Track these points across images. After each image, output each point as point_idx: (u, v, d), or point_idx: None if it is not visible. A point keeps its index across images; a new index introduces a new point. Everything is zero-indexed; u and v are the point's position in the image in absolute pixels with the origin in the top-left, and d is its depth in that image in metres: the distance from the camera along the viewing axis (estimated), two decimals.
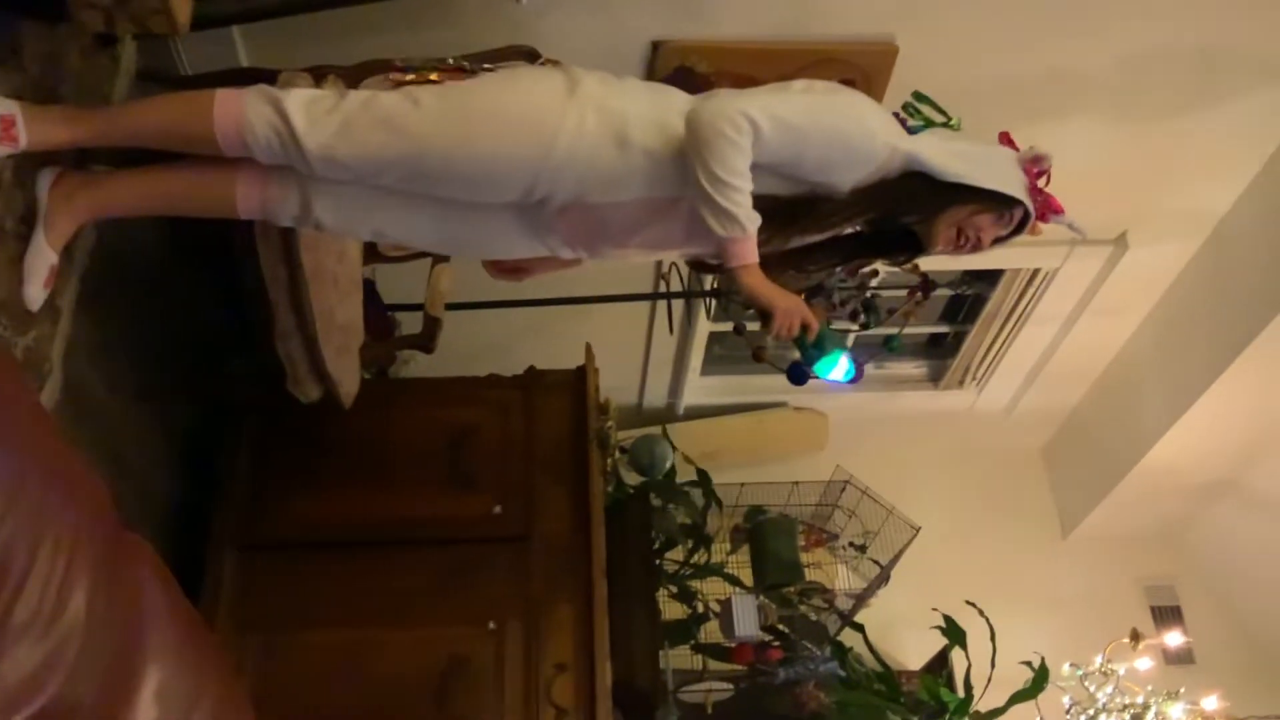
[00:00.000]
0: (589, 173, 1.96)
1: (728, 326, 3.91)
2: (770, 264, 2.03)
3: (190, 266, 2.77)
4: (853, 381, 2.19)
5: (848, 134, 1.97)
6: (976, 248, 2.06)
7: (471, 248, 2.20)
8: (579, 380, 3.32)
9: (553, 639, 2.88)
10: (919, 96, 2.53)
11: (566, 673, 2.84)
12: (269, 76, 2.19)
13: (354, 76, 2.21)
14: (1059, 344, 4.39)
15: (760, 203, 1.93)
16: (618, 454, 3.46)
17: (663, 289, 3.75)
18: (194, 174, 2.10)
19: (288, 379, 2.56)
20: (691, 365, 4.51)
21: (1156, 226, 3.84)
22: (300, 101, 1.97)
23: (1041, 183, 2.13)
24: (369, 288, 3.06)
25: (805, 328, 2.02)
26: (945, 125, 2.14)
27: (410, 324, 3.33)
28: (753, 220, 1.92)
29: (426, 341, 3.00)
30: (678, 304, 3.95)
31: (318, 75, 2.25)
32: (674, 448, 3.83)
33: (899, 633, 4.33)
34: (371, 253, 2.92)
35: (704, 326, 4.28)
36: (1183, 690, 3.64)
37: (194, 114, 2.01)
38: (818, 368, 2.14)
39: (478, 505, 3.06)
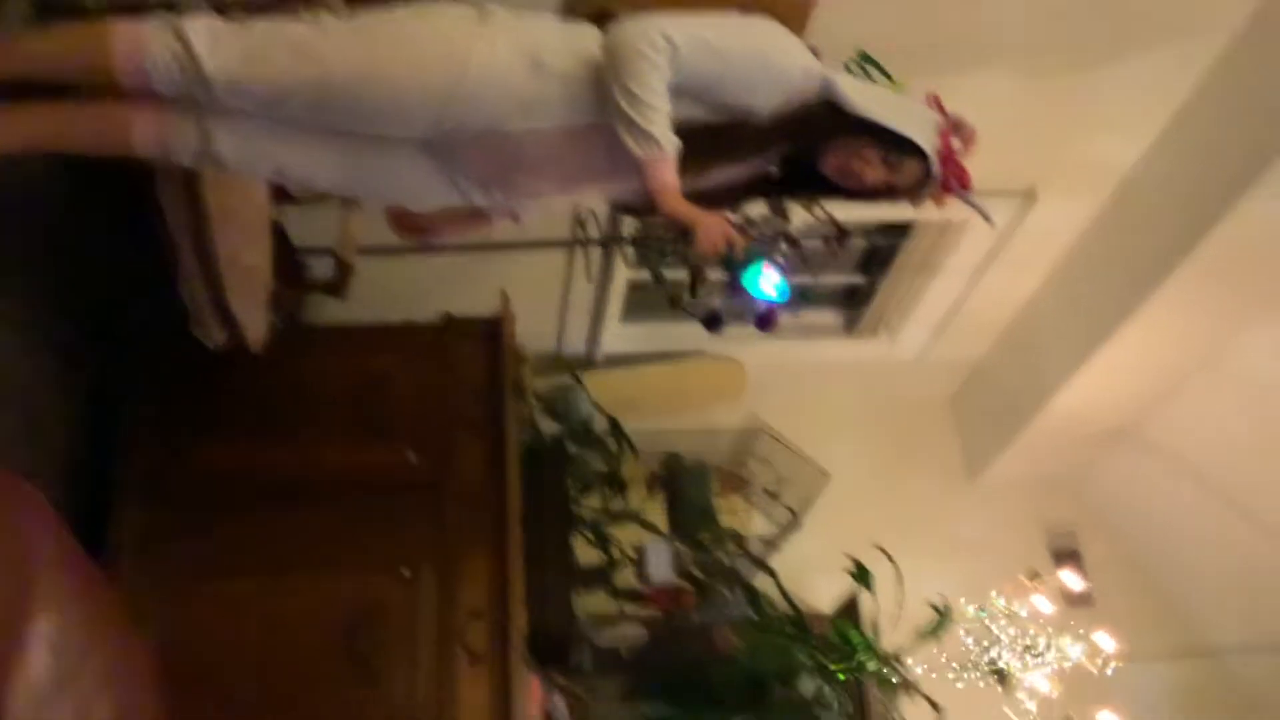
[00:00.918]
0: (502, 98, 1.94)
1: (646, 274, 3.91)
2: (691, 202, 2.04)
3: (90, 208, 2.68)
4: (785, 304, 2.19)
5: (765, 53, 1.98)
6: (859, 183, 2.07)
7: (378, 189, 2.14)
8: (495, 328, 3.30)
9: (467, 586, 2.89)
10: (864, 57, 2.54)
11: (481, 619, 2.85)
12: (170, 7, 2.11)
13: (258, 6, 2.14)
14: (968, 295, 4.48)
15: (679, 130, 1.92)
16: (534, 402, 3.45)
17: (583, 237, 3.73)
18: (90, 109, 2.02)
19: (191, 321, 2.50)
20: (610, 313, 4.50)
21: (1064, 181, 3.93)
22: (203, 26, 1.92)
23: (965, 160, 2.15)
24: (278, 231, 2.99)
25: (731, 245, 2.02)
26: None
27: (322, 269, 3.26)
28: (671, 141, 1.91)
29: (338, 287, 2.94)
30: (598, 252, 3.94)
31: (220, 6, 2.17)
32: (589, 396, 3.83)
33: (811, 577, 4.41)
34: (281, 195, 2.85)
35: (623, 274, 4.28)
36: (1076, 629, 3.78)
37: (92, 43, 1.94)
38: (746, 279, 2.14)
39: (391, 453, 3.04)
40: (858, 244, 4.46)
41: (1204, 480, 4.43)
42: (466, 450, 3.05)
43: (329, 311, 3.59)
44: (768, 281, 2.17)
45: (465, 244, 3.59)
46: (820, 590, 4.47)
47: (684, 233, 2.03)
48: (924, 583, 3.86)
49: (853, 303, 4.85)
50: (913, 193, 2.16)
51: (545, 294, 4.33)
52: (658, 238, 3.37)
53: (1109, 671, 3.57)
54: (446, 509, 2.96)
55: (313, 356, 3.21)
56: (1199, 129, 3.62)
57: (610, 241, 3.74)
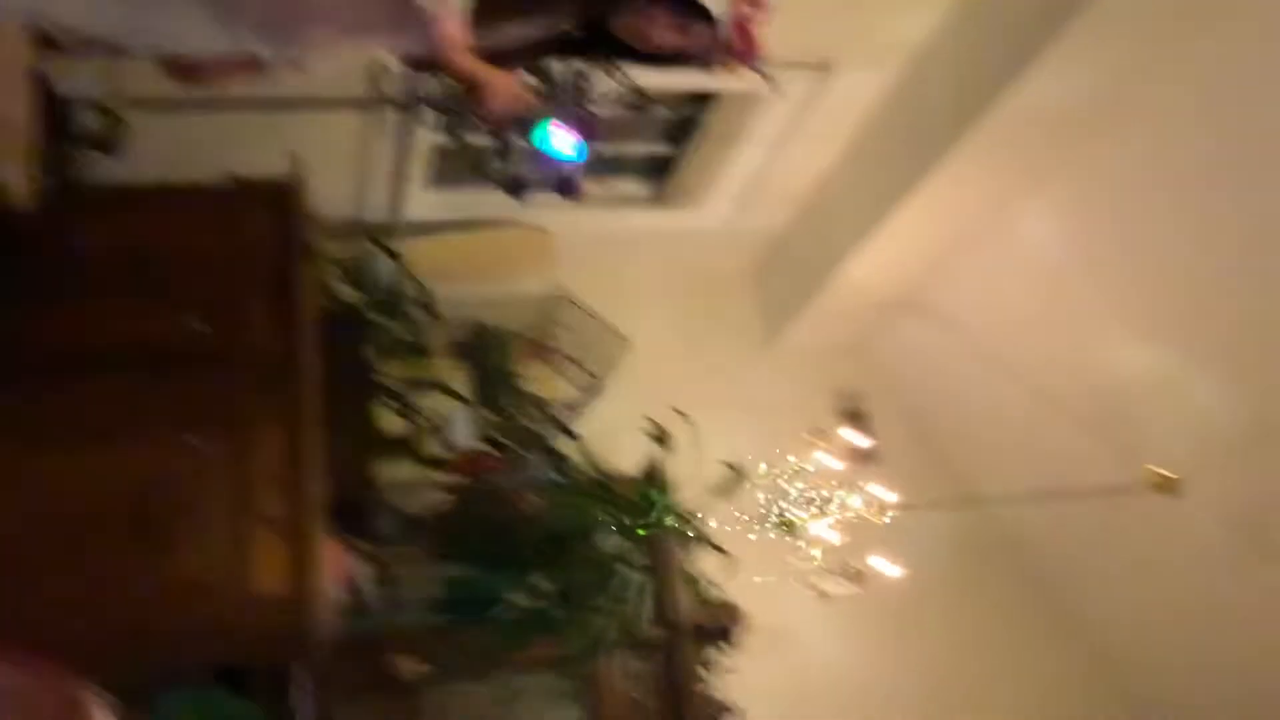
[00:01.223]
0: None
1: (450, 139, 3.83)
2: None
3: None
4: (581, 165, 2.19)
5: None
6: (650, 45, 2.08)
7: (149, 34, 2.00)
8: (286, 191, 3.18)
9: (261, 454, 2.84)
10: None
11: (276, 487, 2.81)
12: None
13: None
14: (770, 167, 4.58)
15: None
16: (331, 268, 3.37)
17: (379, 96, 3.60)
18: None
19: None
20: (413, 178, 4.39)
21: (859, 54, 4.03)
22: None
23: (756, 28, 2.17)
24: (39, 81, 2.76)
25: (521, 106, 2.00)
26: None
27: (91, 123, 3.05)
28: None
29: (109, 142, 2.76)
30: (396, 113, 3.81)
31: None
32: (395, 262, 3.76)
33: (617, 440, 4.54)
34: (44, 41, 2.62)
35: (426, 138, 4.16)
36: (860, 483, 4.03)
37: None
38: (539, 140, 2.13)
39: (176, 320, 2.91)
40: (663, 113, 4.47)
41: (979, 345, 4.75)
42: (258, 317, 2.96)
43: (107, 171, 3.37)
44: (562, 141, 2.17)
45: (254, 100, 3.41)
46: (625, 452, 4.60)
47: (472, 91, 1.99)
48: (723, 444, 4.03)
49: (659, 173, 4.88)
50: (703, 58, 2.18)
51: (343, 157, 4.17)
52: (458, 99, 3.28)
53: (886, 520, 3.83)
54: (238, 377, 2.88)
55: (89, 219, 3.02)
56: (984, 6, 3.76)
57: (409, 102, 3.62)
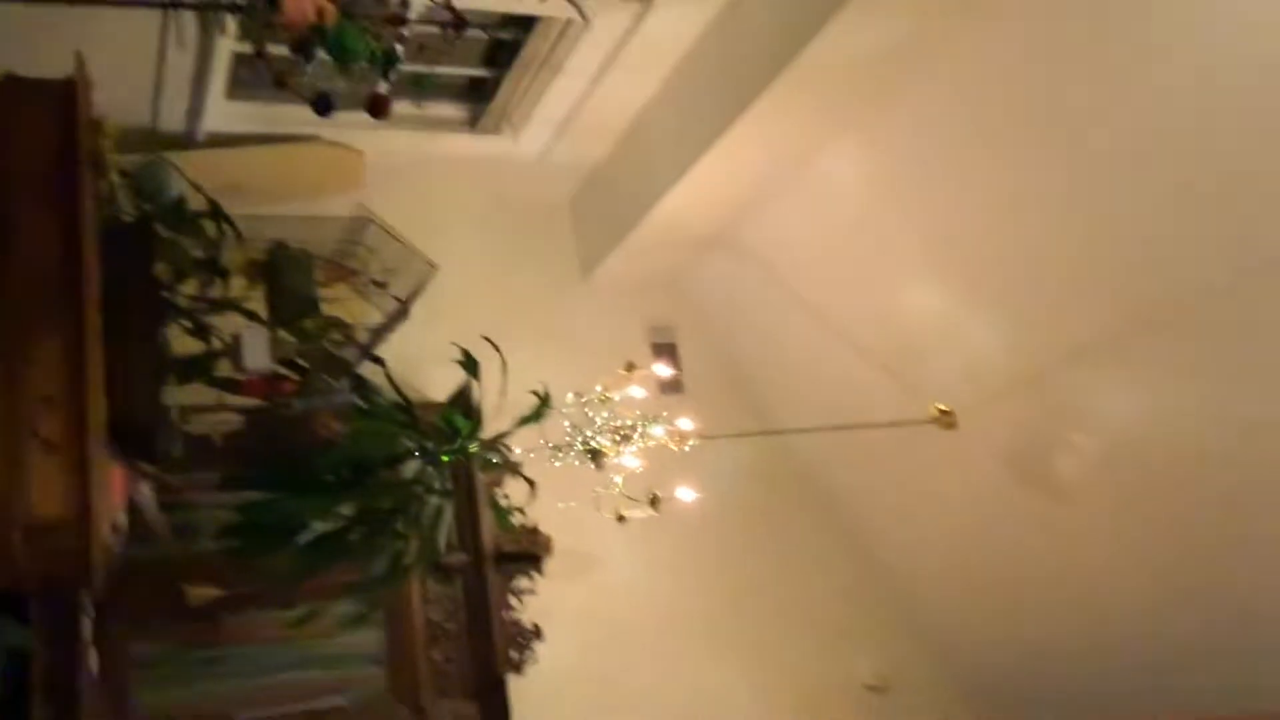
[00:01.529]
0: None
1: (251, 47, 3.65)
2: None
3: None
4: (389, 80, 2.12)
5: None
6: None
7: None
8: (68, 93, 2.96)
9: (37, 372, 2.67)
10: None
11: (54, 406, 2.66)
12: None
13: None
14: (589, 97, 4.57)
15: None
16: (117, 178, 3.18)
17: None
18: None
19: None
20: (213, 88, 4.19)
21: None
22: None
23: None
24: None
25: (320, 14, 1.93)
26: None
27: None
28: None
29: None
30: (193, 17, 3.60)
31: None
32: (185, 176, 3.57)
33: (427, 368, 4.49)
34: None
35: (227, 45, 3.97)
36: (666, 414, 4.14)
37: None
38: (338, 51, 2.06)
39: None
40: (479, 36, 4.38)
41: (785, 282, 4.92)
42: (31, 226, 2.76)
43: None
44: (365, 54, 2.10)
45: None
46: (437, 379, 4.57)
47: None
48: (536, 374, 4.04)
49: (477, 97, 4.80)
50: None
51: (136, 61, 3.94)
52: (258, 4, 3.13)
53: (686, 449, 3.95)
54: (8, 288, 2.70)
55: None
56: None
57: (207, 5, 3.42)
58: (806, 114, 4.15)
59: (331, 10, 1.94)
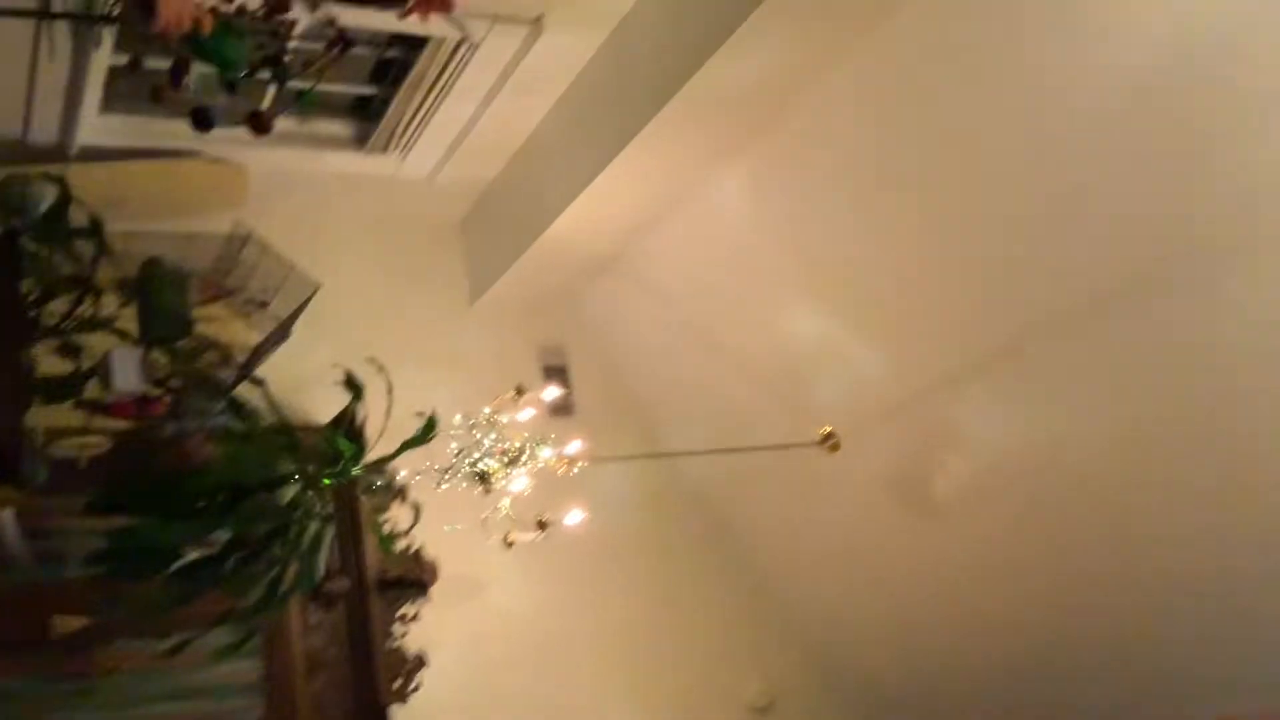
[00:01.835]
0: None
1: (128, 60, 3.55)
2: None
3: None
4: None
5: None
6: None
7: None
8: None
9: None
10: None
11: None
12: None
13: None
14: (479, 118, 4.55)
15: None
16: None
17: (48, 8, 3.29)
18: None
19: None
20: (87, 100, 4.05)
21: (570, 13, 4.06)
22: None
23: None
24: None
25: (196, 24, 1.88)
26: None
27: None
28: None
29: None
30: (68, 28, 3.49)
31: None
32: (62, 189, 3.46)
33: (310, 390, 4.41)
34: None
35: (103, 57, 3.85)
36: (555, 436, 4.13)
37: None
38: (213, 59, 2.01)
39: None
40: (368, 54, 4.34)
41: (674, 305, 4.97)
42: None
43: None
44: (244, 65, 2.06)
45: None
46: (320, 401, 4.49)
47: (143, 4, 1.86)
48: (423, 396, 3.99)
49: (365, 115, 4.74)
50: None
51: (7, 72, 3.80)
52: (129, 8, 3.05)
53: (575, 472, 3.94)
54: None
55: None
56: None
57: (83, 17, 3.33)
58: (695, 140, 4.20)
59: (209, 20, 1.90)
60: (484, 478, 4.05)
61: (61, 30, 3.47)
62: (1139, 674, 4.21)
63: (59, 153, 4.19)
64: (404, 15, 2.22)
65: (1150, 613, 4.02)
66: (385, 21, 3.78)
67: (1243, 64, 3.03)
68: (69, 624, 3.73)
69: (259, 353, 3.46)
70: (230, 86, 3.25)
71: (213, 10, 1.99)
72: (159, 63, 3.42)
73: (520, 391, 4.16)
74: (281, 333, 3.47)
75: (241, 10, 3.14)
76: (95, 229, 3.61)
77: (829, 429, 4.12)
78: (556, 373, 5.17)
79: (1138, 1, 3.18)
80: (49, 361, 3.31)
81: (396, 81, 4.50)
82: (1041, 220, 3.69)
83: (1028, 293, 3.85)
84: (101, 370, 3.12)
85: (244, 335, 3.55)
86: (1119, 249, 3.56)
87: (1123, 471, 3.90)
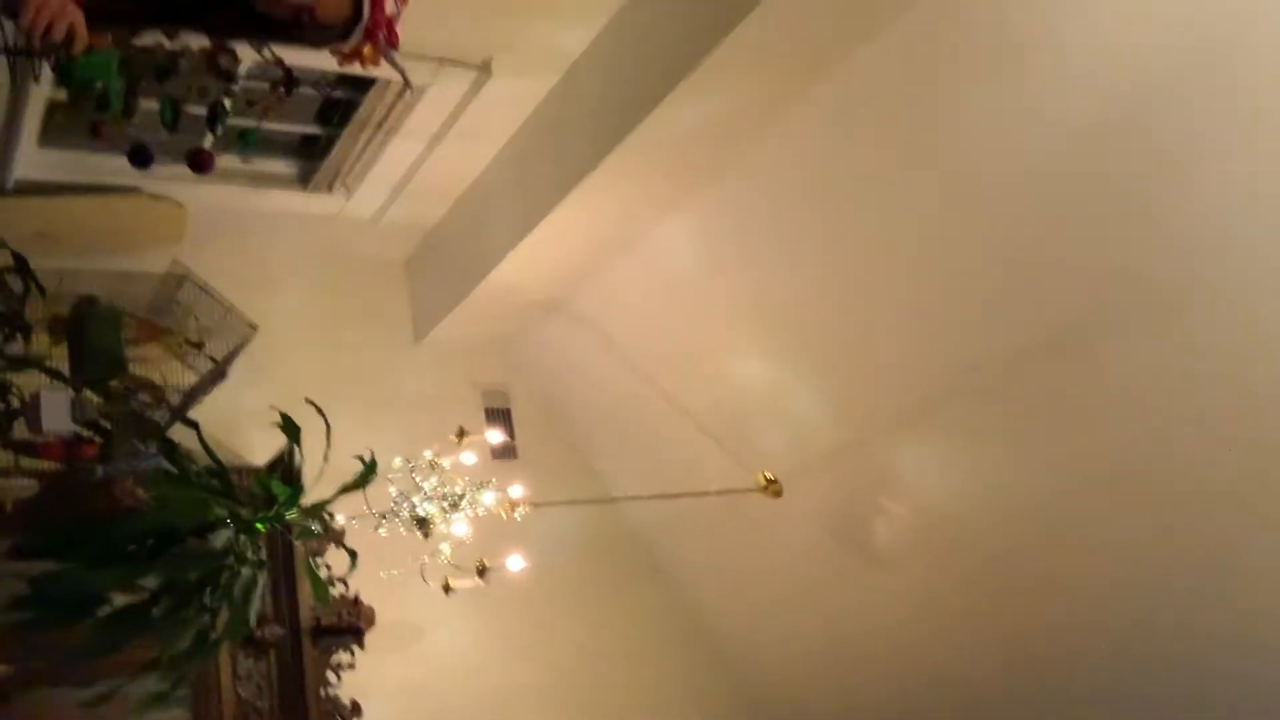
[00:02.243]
0: None
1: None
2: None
3: None
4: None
5: None
6: (275, 7, 2.00)
7: None
8: None
9: None
10: None
11: None
12: None
13: None
14: (425, 160, 4.55)
15: None
16: None
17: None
18: None
19: None
20: (25, 134, 3.98)
21: (519, 59, 4.09)
22: None
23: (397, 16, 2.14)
24: None
25: (72, 33, 1.82)
26: None
27: None
28: None
29: None
30: (4, 62, 3.43)
31: None
32: None
33: (248, 432, 4.33)
34: None
35: (43, 91, 3.79)
36: (496, 480, 4.08)
37: None
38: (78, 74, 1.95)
39: None
40: (314, 94, 4.32)
41: (619, 349, 4.96)
42: None
43: None
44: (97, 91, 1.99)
45: None
46: (257, 444, 4.41)
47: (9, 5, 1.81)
48: (363, 438, 3.93)
49: (309, 154, 4.71)
50: (337, 31, 2.13)
51: None
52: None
53: (517, 517, 3.90)
54: None
55: None
56: (639, 26, 3.93)
57: (21, 52, 3.27)
58: (640, 186, 4.23)
59: (84, 36, 1.83)
60: (423, 523, 4.00)
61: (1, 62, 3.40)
62: (1076, 714, 4.24)
63: None
64: (343, 63, 2.21)
65: (1086, 660, 4.07)
66: (331, 62, 3.77)
67: (1177, 114, 3.12)
68: None
69: (194, 394, 3.40)
70: (172, 123, 3.23)
71: (107, 32, 1.94)
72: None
73: (462, 434, 4.12)
74: (218, 373, 3.41)
75: (182, 52, 3.13)
76: (21, 266, 3.53)
77: (771, 475, 4.15)
78: (499, 415, 5.14)
79: (1075, 58, 3.26)
80: None
81: (342, 122, 4.49)
82: (980, 270, 3.75)
83: (967, 341, 3.90)
84: (30, 410, 3.04)
85: (179, 376, 3.48)
86: (1058, 298, 3.63)
87: (1061, 519, 3.95)
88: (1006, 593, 4.17)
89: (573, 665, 4.99)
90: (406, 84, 2.23)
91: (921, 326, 4.00)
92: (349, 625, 4.19)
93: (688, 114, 3.82)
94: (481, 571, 3.91)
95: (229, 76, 3.20)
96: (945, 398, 4.07)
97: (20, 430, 3.26)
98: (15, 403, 3.31)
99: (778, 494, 4.16)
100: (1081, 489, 3.84)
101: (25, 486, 3.25)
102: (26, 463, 3.28)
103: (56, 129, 4.11)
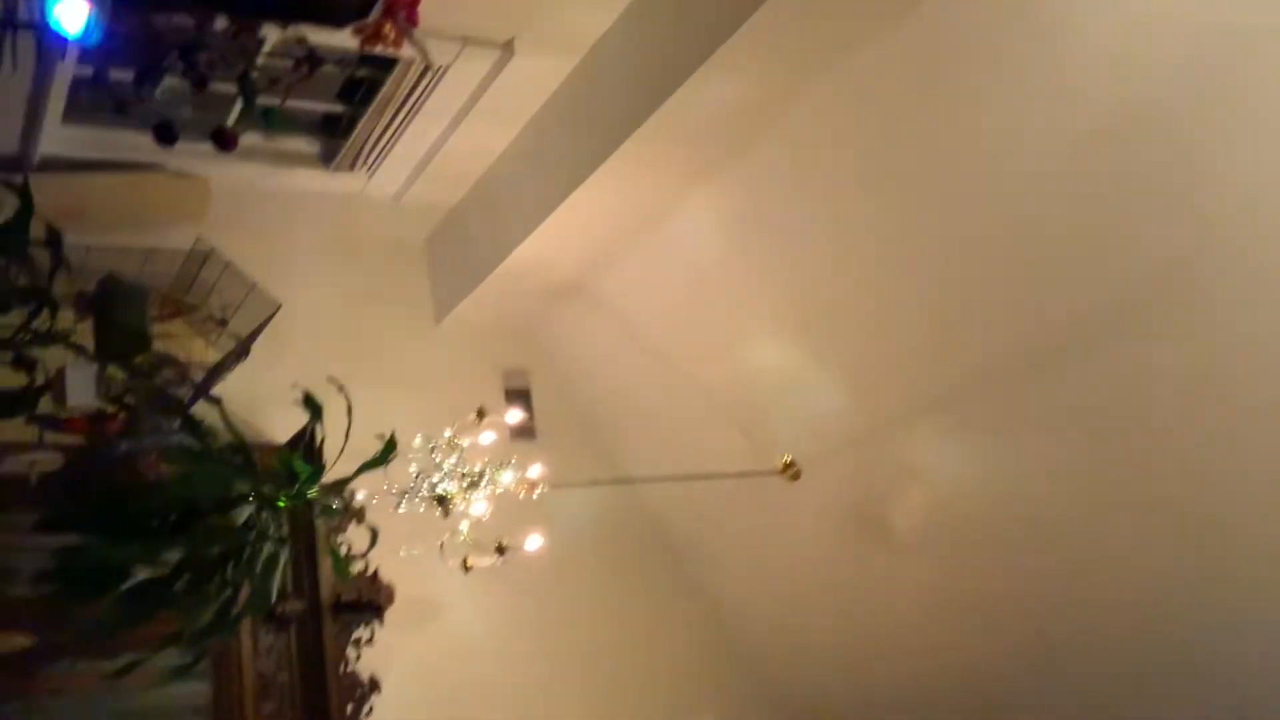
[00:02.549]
0: None
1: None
2: None
3: None
4: (89, 43, 2.01)
5: None
6: None
7: None
8: None
9: None
10: None
11: None
12: None
13: None
14: (447, 139, 4.55)
15: None
16: None
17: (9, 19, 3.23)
18: None
19: None
20: (50, 110, 4.00)
21: (542, 39, 4.08)
22: None
23: None
24: None
25: None
26: None
27: None
28: None
29: None
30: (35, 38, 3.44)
31: None
32: (23, 199, 3.40)
33: (268, 409, 4.35)
34: None
35: (67, 68, 3.80)
36: (515, 460, 4.09)
37: None
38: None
39: None
40: (336, 73, 4.32)
41: (638, 331, 4.96)
42: None
43: None
44: (72, 14, 1.99)
45: None
46: (278, 421, 4.43)
47: None
48: (384, 417, 3.94)
49: (332, 133, 4.71)
50: (356, 7, 2.13)
51: None
52: None
53: (535, 496, 3.91)
54: None
55: None
56: (662, 5, 3.91)
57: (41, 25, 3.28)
58: (661, 168, 4.22)
59: None
60: (443, 501, 4.02)
61: (25, 40, 3.42)
62: (1092, 706, 4.23)
63: (19, 162, 4.13)
64: (365, 45, 2.21)
65: (1104, 651, 4.05)
66: (353, 41, 3.77)
67: (1176, 122, 3.11)
68: (14, 643, 3.65)
69: (217, 371, 3.42)
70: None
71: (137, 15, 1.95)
72: (124, 74, 3.41)
73: (482, 414, 4.13)
74: (241, 351, 3.43)
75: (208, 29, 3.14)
76: (54, 240, 3.56)
77: (789, 458, 4.14)
78: (519, 396, 5.14)
79: (1074, 68, 3.25)
80: (2, 374, 3.25)
81: (365, 100, 4.49)
82: (1001, 264, 3.73)
83: (990, 332, 3.88)
84: (56, 385, 3.06)
85: (202, 353, 3.50)
86: (1087, 293, 3.60)
87: (1078, 511, 3.93)
88: (1025, 584, 4.15)
89: (587, 644, 4.99)
90: (427, 63, 2.22)
91: (945, 316, 3.98)
92: (369, 602, 4.23)
93: (711, 95, 3.80)
94: (500, 550, 3.92)
95: (254, 54, 3.21)
96: (968, 388, 4.04)
97: (45, 405, 3.29)
98: (41, 378, 3.34)
99: (796, 477, 4.14)
100: (1104, 484, 3.82)
101: (50, 460, 3.28)
102: (51, 437, 3.30)
103: (81, 106, 4.13)
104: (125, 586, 3.22)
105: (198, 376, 3.41)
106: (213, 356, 3.51)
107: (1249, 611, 3.61)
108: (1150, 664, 3.91)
